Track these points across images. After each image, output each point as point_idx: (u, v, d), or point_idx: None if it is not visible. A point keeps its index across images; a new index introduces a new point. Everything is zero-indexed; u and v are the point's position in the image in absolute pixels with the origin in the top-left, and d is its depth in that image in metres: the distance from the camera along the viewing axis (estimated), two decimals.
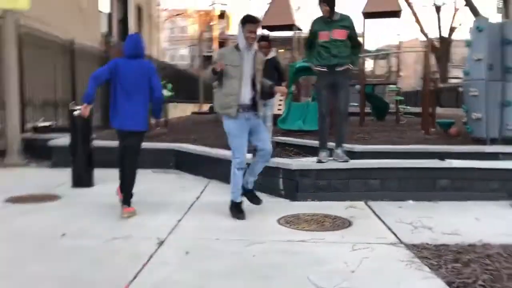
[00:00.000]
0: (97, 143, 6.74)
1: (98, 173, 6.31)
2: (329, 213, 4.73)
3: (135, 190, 4.92)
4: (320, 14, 5.46)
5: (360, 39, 5.68)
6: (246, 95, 4.44)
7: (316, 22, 5.49)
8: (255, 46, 4.51)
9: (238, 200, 4.62)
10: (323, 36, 5.36)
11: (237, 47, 4.45)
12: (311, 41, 5.57)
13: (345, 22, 5.39)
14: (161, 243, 3.79)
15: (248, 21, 4.37)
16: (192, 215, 4.74)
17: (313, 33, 5.48)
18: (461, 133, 8.49)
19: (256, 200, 4.74)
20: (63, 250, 3.63)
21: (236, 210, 4.59)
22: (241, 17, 4.45)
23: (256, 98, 4.49)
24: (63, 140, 7.38)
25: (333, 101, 5.53)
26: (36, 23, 9.09)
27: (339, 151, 5.52)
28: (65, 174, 6.27)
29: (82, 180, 6.08)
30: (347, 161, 5.46)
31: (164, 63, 19.08)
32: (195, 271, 3.21)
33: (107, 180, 6.37)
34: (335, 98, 5.46)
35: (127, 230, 4.10)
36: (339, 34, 5.34)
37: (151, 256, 3.47)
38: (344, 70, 5.40)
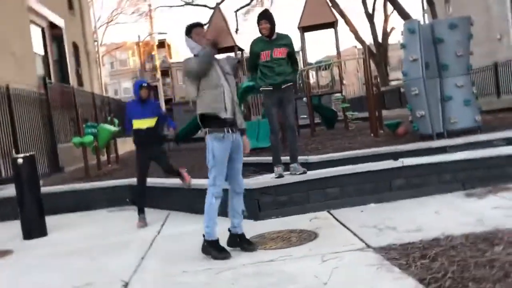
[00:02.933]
0: (44, 189, 6.43)
1: (51, 220, 6.00)
2: (294, 227, 4.70)
3: (91, 232, 4.71)
4: (258, 34, 5.52)
5: (296, 55, 5.74)
6: (229, 108, 3.99)
7: (256, 43, 5.52)
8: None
9: (215, 237, 4.00)
10: (265, 56, 5.40)
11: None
12: (254, 63, 5.58)
13: (284, 41, 5.47)
14: (126, 285, 3.61)
15: (193, 26, 4.12)
16: (155, 251, 4.57)
17: (255, 54, 5.50)
18: (408, 131, 8.79)
19: (251, 247, 4.11)
20: None
21: (217, 250, 3.96)
22: (184, 29, 4.17)
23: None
24: (8, 191, 6.99)
25: (281, 117, 5.57)
26: None
27: (294, 164, 5.55)
28: (15, 227, 5.92)
29: (34, 230, 5.75)
30: (304, 173, 5.48)
31: (108, 98, 18.69)
32: None
33: (61, 226, 6.09)
34: (283, 113, 5.52)
35: (88, 277, 3.88)
36: (280, 52, 5.41)
37: None
38: (288, 87, 5.50)
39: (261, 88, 5.56)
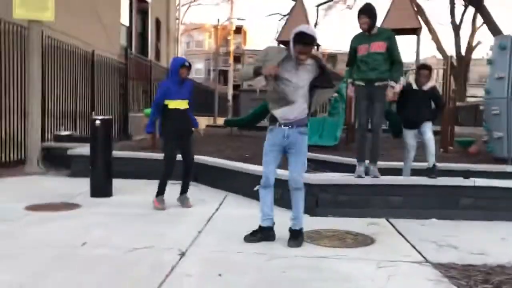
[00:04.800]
0: (115, 153, 6.76)
1: (117, 183, 6.32)
2: (350, 229, 4.66)
3: (152, 200, 5.47)
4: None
5: (400, 55, 5.37)
6: (290, 110, 3.99)
7: (355, 38, 5.45)
8: (306, 61, 3.97)
9: (261, 224, 4.17)
10: (362, 50, 5.28)
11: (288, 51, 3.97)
12: (351, 58, 5.50)
13: (384, 35, 5.29)
14: (182, 254, 3.75)
15: (299, 42, 3.82)
16: (212, 227, 4.71)
17: (353, 49, 5.43)
18: (480, 151, 8.39)
19: (292, 242, 4.07)
20: (84, 260, 3.61)
21: (251, 232, 4.18)
22: (295, 30, 3.89)
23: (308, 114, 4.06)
24: (82, 149, 7.43)
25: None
26: (59, 34, 9.24)
27: (370, 166, 5.47)
28: (84, 184, 6.29)
29: (101, 189, 6.08)
30: (376, 177, 5.41)
31: None
32: (218, 284, 3.17)
33: (125, 190, 6.39)
34: (371, 112, 5.36)
35: (148, 241, 4.07)
36: (378, 46, 5.22)
37: (173, 268, 3.43)
38: (382, 85, 5.30)
39: (355, 82, 5.47)
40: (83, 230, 4.43)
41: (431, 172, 5.59)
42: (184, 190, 5.71)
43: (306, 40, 3.83)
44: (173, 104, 5.43)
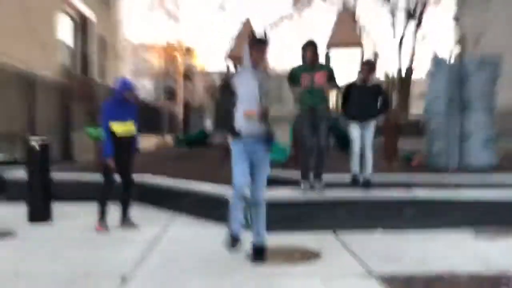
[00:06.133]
0: (55, 175, 6.45)
1: (57, 207, 6.03)
2: (298, 245, 4.65)
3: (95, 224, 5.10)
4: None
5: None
6: (250, 124, 3.97)
7: (297, 69, 5.68)
8: (262, 66, 4.04)
9: (233, 235, 4.06)
10: (305, 79, 5.53)
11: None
12: (292, 81, 5.72)
13: (325, 67, 5.70)
14: (125, 280, 3.59)
15: (256, 41, 3.97)
16: (158, 249, 4.55)
17: (295, 80, 5.63)
18: (422, 163, 8.70)
19: (259, 257, 4.09)
20: None
21: (229, 241, 4.07)
22: (249, 37, 4.04)
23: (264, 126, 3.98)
24: (19, 173, 7.05)
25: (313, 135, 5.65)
26: None
27: (317, 183, 5.64)
28: (21, 209, 5.95)
29: (39, 214, 5.76)
30: (322, 190, 5.56)
31: None
32: None
33: (66, 214, 6.10)
34: (316, 133, 5.60)
35: (89, 266, 3.88)
36: (320, 76, 5.55)
37: None
38: (324, 108, 5.65)
39: (299, 107, 5.72)
40: (18, 259, 4.17)
41: (366, 184, 5.86)
42: (125, 213, 5.52)
43: (261, 39, 3.96)
44: (118, 127, 5.29)
